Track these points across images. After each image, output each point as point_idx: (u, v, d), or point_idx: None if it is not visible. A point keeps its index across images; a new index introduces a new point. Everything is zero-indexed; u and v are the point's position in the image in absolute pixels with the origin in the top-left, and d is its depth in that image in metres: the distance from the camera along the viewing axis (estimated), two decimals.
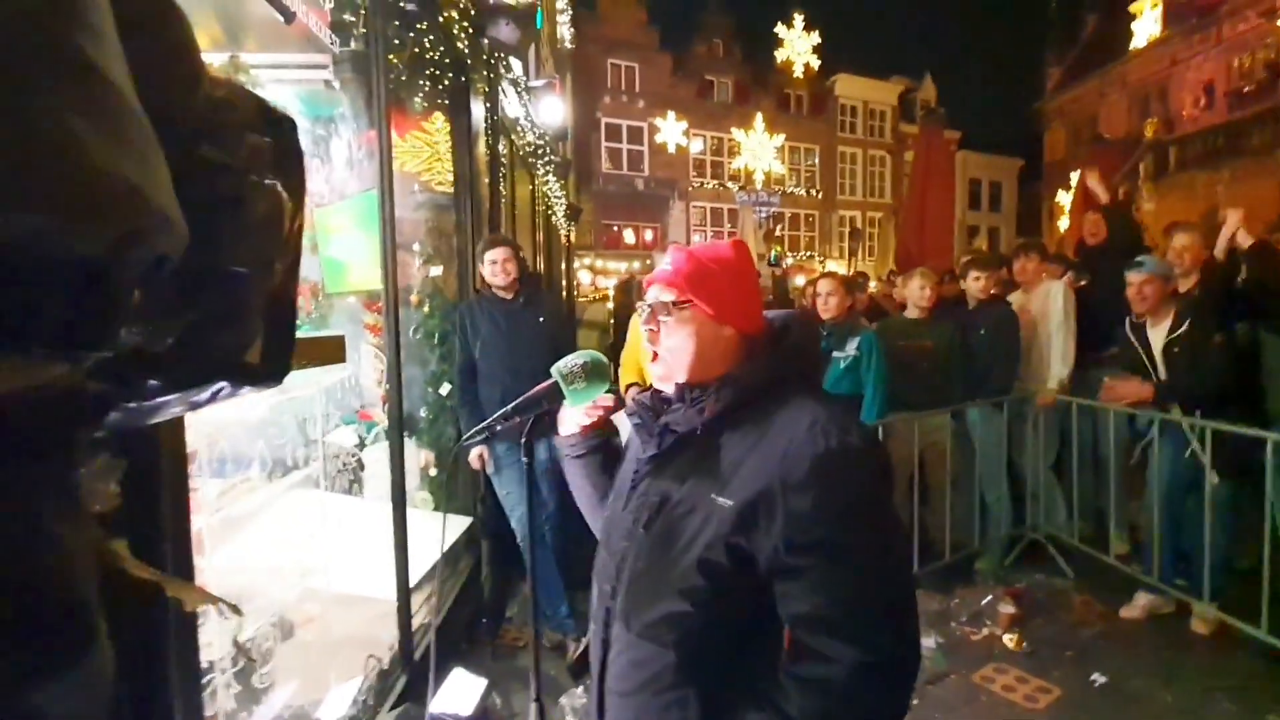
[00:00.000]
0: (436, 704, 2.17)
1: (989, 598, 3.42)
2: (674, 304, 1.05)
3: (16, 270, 0.35)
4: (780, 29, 25.82)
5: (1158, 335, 3.27)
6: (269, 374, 0.64)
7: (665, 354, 1.08)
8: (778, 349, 1.07)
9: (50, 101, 0.36)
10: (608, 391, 1.26)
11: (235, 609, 0.73)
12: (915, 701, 2.71)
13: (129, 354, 0.47)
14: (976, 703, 2.75)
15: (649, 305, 1.08)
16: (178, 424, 0.95)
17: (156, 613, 0.79)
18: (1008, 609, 3.28)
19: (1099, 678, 2.87)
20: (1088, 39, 24.44)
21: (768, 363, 1.05)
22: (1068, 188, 16.54)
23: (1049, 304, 3.97)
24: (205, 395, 0.60)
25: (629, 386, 3.70)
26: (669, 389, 1.09)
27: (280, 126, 0.63)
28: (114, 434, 0.58)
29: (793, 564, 0.92)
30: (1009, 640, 3.15)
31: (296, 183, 0.64)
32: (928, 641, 3.09)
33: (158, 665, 0.79)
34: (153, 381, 0.53)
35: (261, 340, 0.61)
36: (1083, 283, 4.49)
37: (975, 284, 3.96)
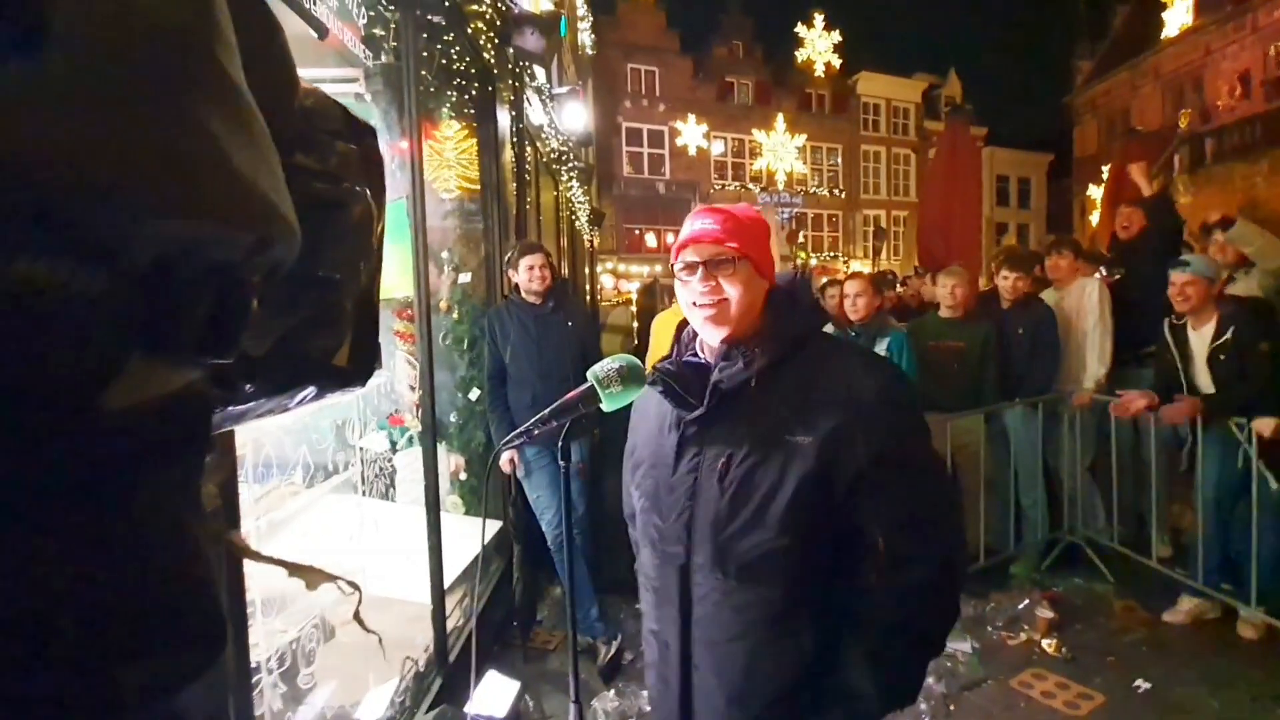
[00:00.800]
0: (472, 705, 2.19)
1: (1026, 602, 3.35)
2: (734, 258, 1.11)
3: (163, 278, 0.36)
4: (800, 29, 25.68)
5: (1199, 340, 3.18)
6: (355, 376, 0.66)
7: (728, 306, 1.12)
8: (798, 305, 1.19)
9: (199, 115, 0.37)
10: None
11: (354, 585, 0.76)
12: (952, 708, 2.68)
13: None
14: (1015, 709, 2.70)
15: (702, 262, 1.12)
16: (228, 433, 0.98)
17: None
18: (1045, 614, 3.21)
19: (1142, 684, 2.80)
20: (1118, 30, 23.89)
21: (801, 317, 1.16)
22: (1099, 182, 16.18)
23: (1084, 301, 3.88)
24: (294, 400, 0.61)
25: None
26: (704, 354, 1.18)
27: (363, 134, 0.65)
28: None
29: (880, 479, 1.03)
30: (1048, 645, 3.09)
31: (379, 189, 0.66)
32: (963, 646, 3.05)
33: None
34: (249, 386, 0.54)
35: (349, 343, 0.63)
36: (1116, 278, 4.39)
37: (1006, 282, 3.89)
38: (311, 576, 0.72)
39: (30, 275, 0.31)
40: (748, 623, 1.09)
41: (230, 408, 0.55)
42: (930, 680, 2.80)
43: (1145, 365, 3.72)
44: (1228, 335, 3.06)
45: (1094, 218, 15.88)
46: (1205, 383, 3.18)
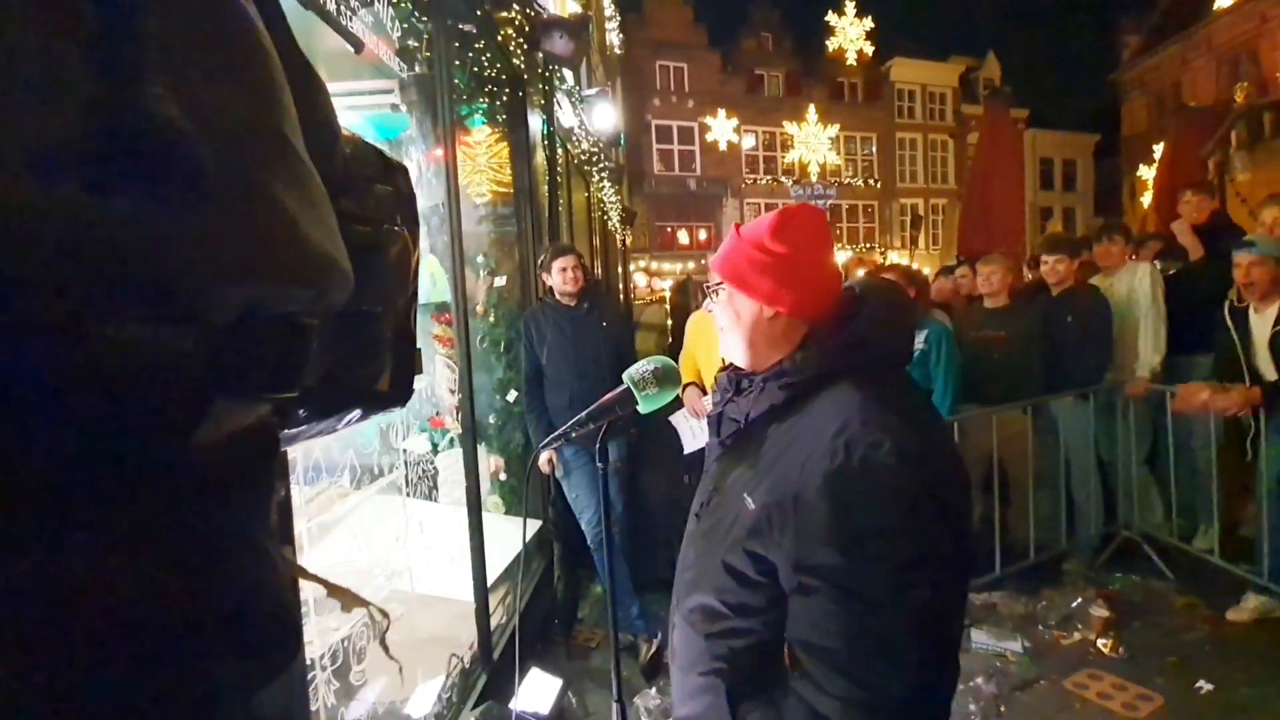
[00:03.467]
0: (516, 701, 2.23)
1: (1079, 600, 3.25)
2: (717, 285, 1.07)
3: (240, 332, 0.42)
4: (831, 17, 25.26)
5: (1262, 324, 3.03)
6: (396, 398, 0.71)
7: (723, 334, 1.08)
8: (834, 339, 0.98)
9: (273, 189, 0.43)
10: (676, 397, 1.27)
11: (384, 613, 0.83)
12: (1003, 709, 2.62)
13: None
14: (1070, 710, 2.63)
15: (710, 285, 1.11)
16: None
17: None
18: (1101, 612, 3.11)
19: (1205, 685, 2.68)
20: (1167, 2, 22.88)
21: (819, 355, 0.97)
22: (1150, 162, 15.51)
23: (1136, 287, 3.73)
24: (342, 422, 0.67)
25: (687, 386, 3.72)
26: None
27: (396, 174, 0.70)
28: None
29: (799, 583, 0.88)
30: (1103, 645, 2.99)
31: (413, 225, 0.71)
32: (1014, 645, 2.97)
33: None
34: (302, 411, 0.60)
35: (390, 369, 0.68)
36: (1172, 271, 4.16)
37: (1047, 267, 3.77)
38: (347, 599, 0.77)
39: (134, 336, 0.37)
40: (684, 660, 1.05)
41: (285, 431, 0.60)
42: (980, 680, 2.73)
43: (1202, 352, 3.56)
44: None
45: (1145, 199, 15.24)
46: (1267, 369, 3.03)
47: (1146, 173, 16.62)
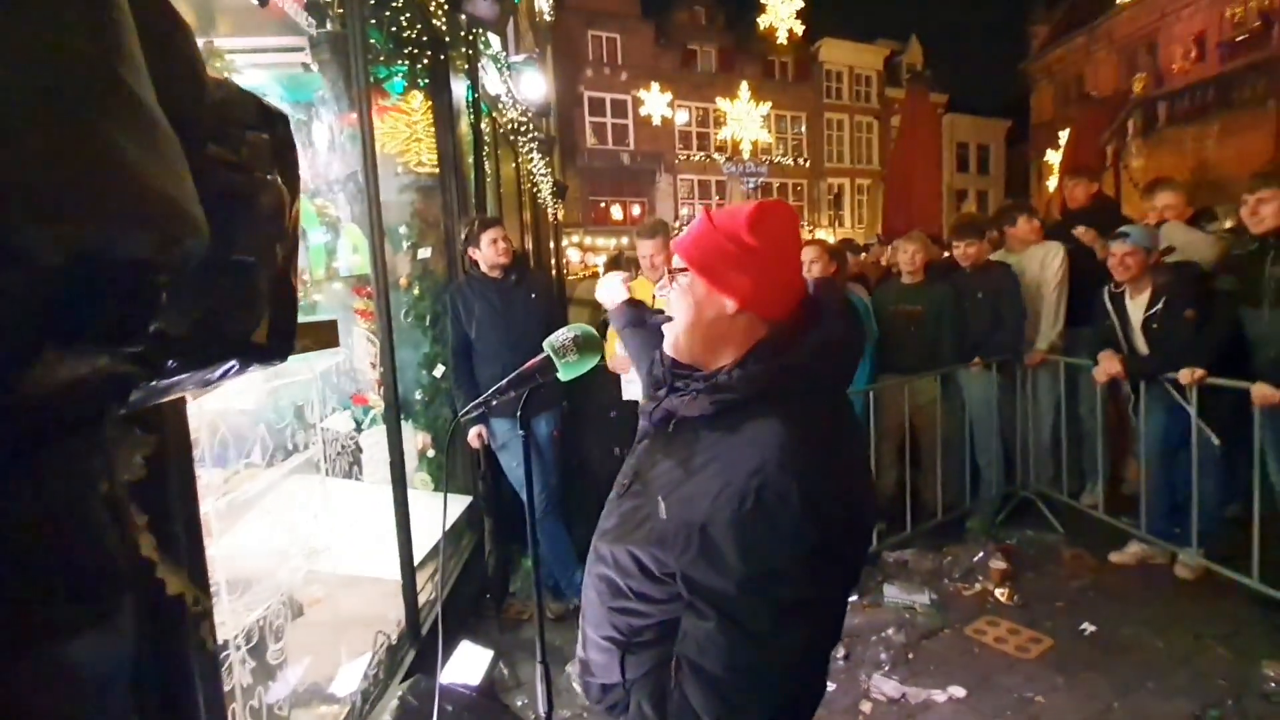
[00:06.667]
0: (445, 675, 2.23)
1: (980, 554, 3.51)
2: (680, 270, 1.01)
3: (73, 277, 0.41)
4: None
5: (1136, 308, 3.32)
6: (275, 352, 0.70)
7: (671, 322, 1.03)
8: (776, 359, 0.94)
9: (107, 131, 0.42)
10: (598, 363, 1.28)
11: (204, 598, 0.83)
12: (911, 656, 2.81)
13: (152, 337, 0.54)
14: (970, 655, 2.84)
15: (670, 271, 1.05)
16: (181, 409, 0.98)
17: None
18: (999, 564, 3.36)
19: (1089, 626, 2.96)
20: None
21: (757, 374, 0.93)
22: (1056, 148, 16.46)
23: (1047, 265, 3.95)
24: (217, 374, 0.65)
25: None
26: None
27: (275, 122, 0.68)
28: (138, 411, 0.64)
29: (692, 603, 0.92)
30: (1001, 594, 3.24)
31: (292, 174, 0.70)
32: (921, 597, 3.18)
33: (178, 639, 0.83)
34: (171, 362, 0.59)
35: (267, 321, 0.67)
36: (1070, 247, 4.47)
37: (958, 250, 3.97)
38: (173, 579, 0.78)
39: None
40: (588, 607, 1.12)
41: (155, 383, 0.59)
42: (890, 631, 2.92)
43: (1085, 326, 3.84)
44: (1159, 305, 3.21)
45: (1051, 183, 16.20)
46: (1142, 347, 3.33)
47: (1053, 158, 17.61)
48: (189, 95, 0.55)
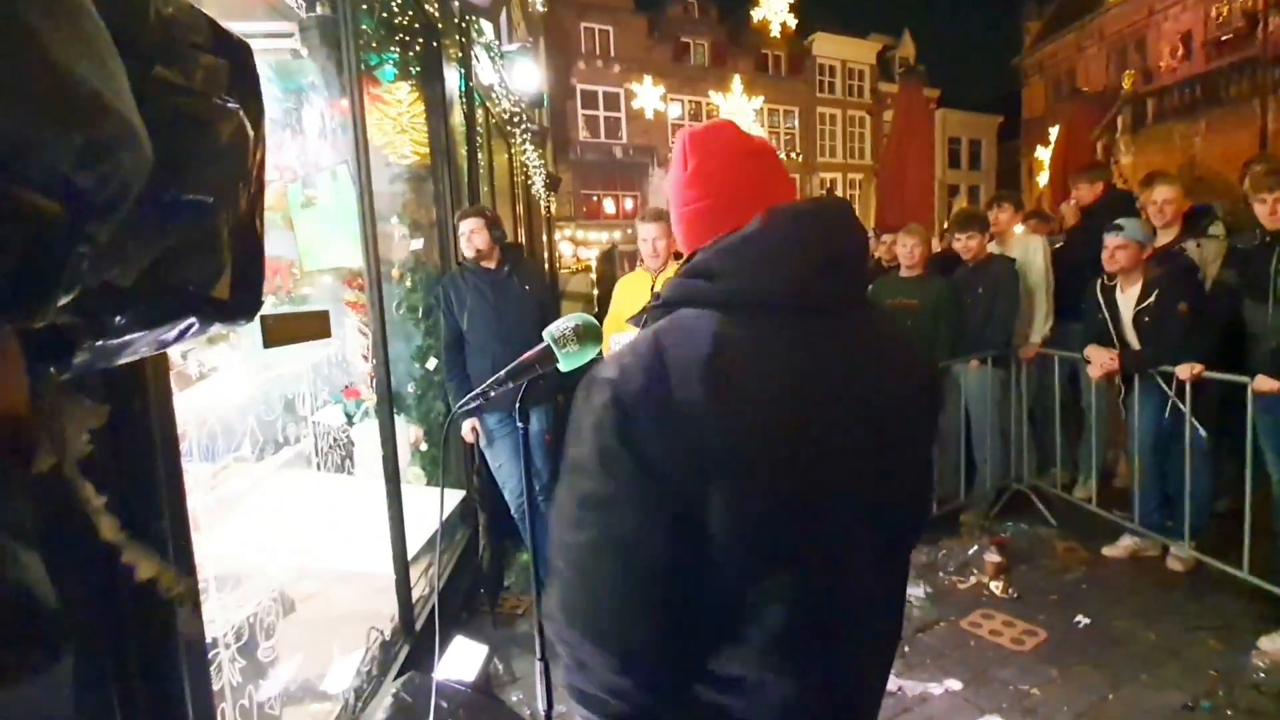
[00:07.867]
0: (440, 671, 2.20)
1: (975, 548, 3.51)
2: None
3: None
4: None
5: (1126, 301, 3.32)
6: (239, 309, 0.62)
7: None
8: (682, 275, 0.91)
9: (14, 6, 0.34)
10: (598, 355, 1.25)
11: (176, 580, 0.73)
12: (906, 649, 2.80)
13: (95, 289, 0.44)
14: (965, 647, 2.85)
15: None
16: (166, 401, 0.94)
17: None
18: (994, 557, 3.37)
19: (1082, 619, 2.97)
20: None
21: (675, 282, 0.91)
22: (1046, 143, 16.51)
23: (1029, 260, 3.99)
24: (173, 333, 0.57)
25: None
26: None
27: (234, 48, 0.60)
28: (87, 378, 0.56)
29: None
30: (995, 587, 3.25)
31: (256, 108, 0.61)
32: (917, 591, 3.18)
33: (167, 639, 0.80)
34: (119, 318, 0.51)
35: (230, 273, 0.59)
36: (1057, 246, 4.48)
37: (960, 243, 3.98)
38: (144, 562, 0.69)
39: None
40: None
41: (101, 342, 0.51)
42: None
43: (1076, 320, 3.85)
44: (1151, 299, 3.20)
45: (1041, 179, 16.26)
46: (1133, 340, 3.33)
47: (1043, 154, 17.68)
48: (130, 5, 0.47)
